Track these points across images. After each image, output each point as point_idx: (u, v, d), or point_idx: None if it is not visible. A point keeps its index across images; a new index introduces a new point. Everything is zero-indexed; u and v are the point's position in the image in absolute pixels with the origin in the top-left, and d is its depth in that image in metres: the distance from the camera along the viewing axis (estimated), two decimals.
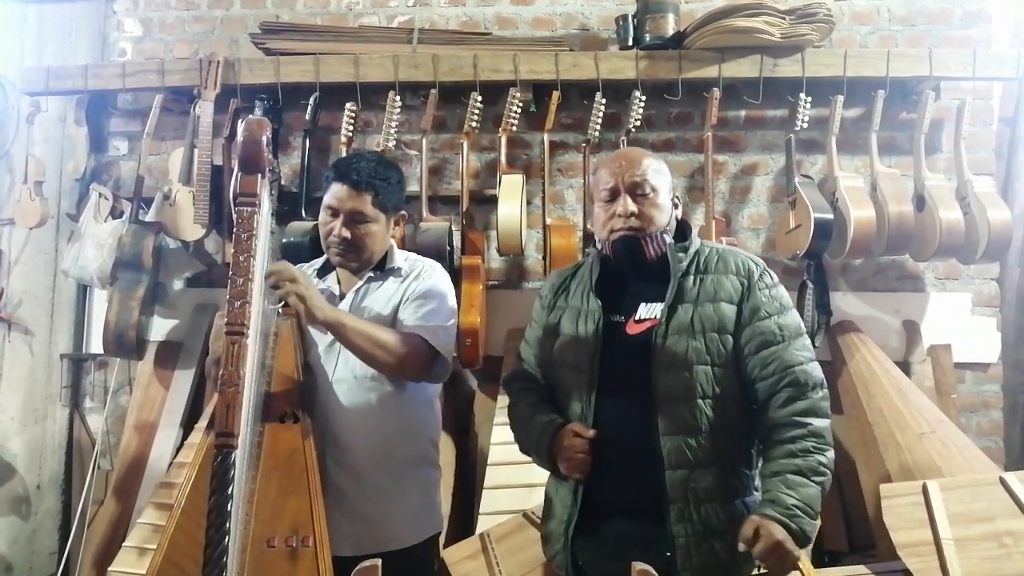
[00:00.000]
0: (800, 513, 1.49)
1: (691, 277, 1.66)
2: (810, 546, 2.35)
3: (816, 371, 1.61)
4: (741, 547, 1.50)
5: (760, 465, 1.63)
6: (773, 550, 1.47)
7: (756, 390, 1.62)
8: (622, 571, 1.49)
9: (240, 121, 1.56)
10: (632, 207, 1.66)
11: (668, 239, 1.70)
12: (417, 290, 1.87)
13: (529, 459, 1.78)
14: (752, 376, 1.62)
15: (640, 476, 1.60)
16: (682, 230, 1.76)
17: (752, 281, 1.65)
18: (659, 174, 1.71)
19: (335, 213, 1.83)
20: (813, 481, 1.52)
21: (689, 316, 1.62)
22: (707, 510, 1.57)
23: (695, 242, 1.73)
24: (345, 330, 1.71)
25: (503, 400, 1.99)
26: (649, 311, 1.66)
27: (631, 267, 1.70)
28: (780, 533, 1.47)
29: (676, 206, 1.75)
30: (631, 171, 1.68)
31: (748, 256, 1.71)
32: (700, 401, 1.59)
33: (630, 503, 1.62)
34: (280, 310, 1.79)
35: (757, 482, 1.64)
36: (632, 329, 1.66)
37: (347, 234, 1.81)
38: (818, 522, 1.54)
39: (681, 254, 1.68)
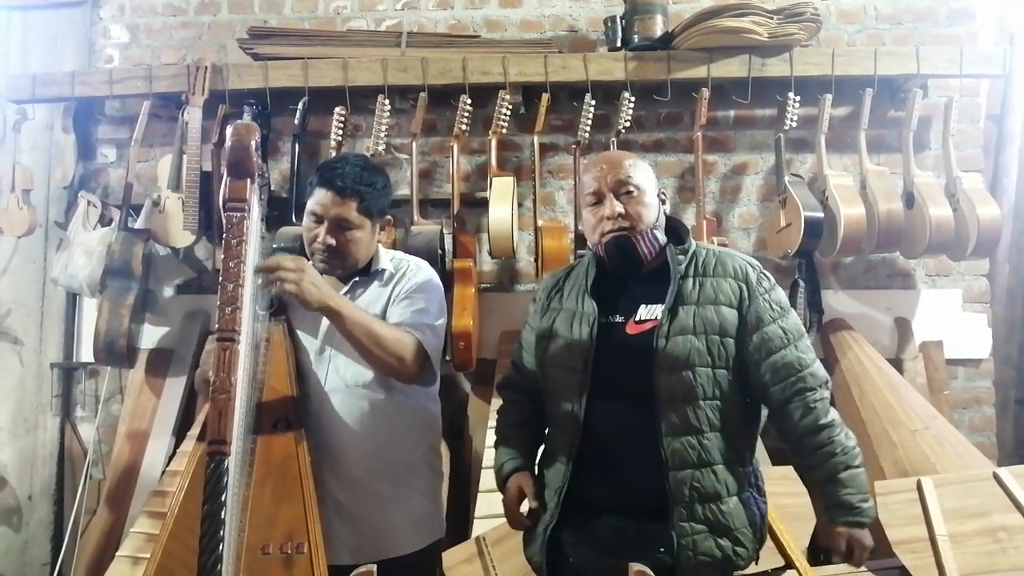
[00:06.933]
0: (867, 505, 1.61)
1: (690, 279, 1.67)
2: (806, 545, 2.39)
3: (821, 369, 1.67)
4: (836, 560, 1.63)
5: (804, 472, 1.73)
6: (865, 553, 1.60)
7: (768, 394, 1.65)
8: (615, 568, 1.51)
9: (228, 126, 1.54)
10: (618, 207, 1.67)
11: (660, 236, 1.71)
12: (405, 289, 1.84)
13: None
14: (763, 381, 1.64)
15: (639, 477, 1.61)
16: (677, 230, 1.76)
17: (751, 286, 1.66)
18: (641, 172, 1.72)
19: (319, 219, 1.79)
20: (858, 466, 1.62)
21: (691, 318, 1.63)
22: (709, 508, 1.59)
23: (692, 244, 1.74)
24: (342, 319, 1.65)
25: (497, 403, 1.98)
26: (650, 312, 1.66)
27: (625, 267, 1.71)
28: (868, 539, 1.60)
29: (663, 202, 1.76)
30: (613, 172, 1.70)
31: (744, 258, 1.72)
32: (702, 402, 1.60)
33: (626, 503, 1.63)
34: (271, 316, 1.77)
35: (753, 479, 1.68)
36: (632, 330, 1.66)
37: (332, 241, 1.78)
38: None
39: (681, 256, 1.69)
